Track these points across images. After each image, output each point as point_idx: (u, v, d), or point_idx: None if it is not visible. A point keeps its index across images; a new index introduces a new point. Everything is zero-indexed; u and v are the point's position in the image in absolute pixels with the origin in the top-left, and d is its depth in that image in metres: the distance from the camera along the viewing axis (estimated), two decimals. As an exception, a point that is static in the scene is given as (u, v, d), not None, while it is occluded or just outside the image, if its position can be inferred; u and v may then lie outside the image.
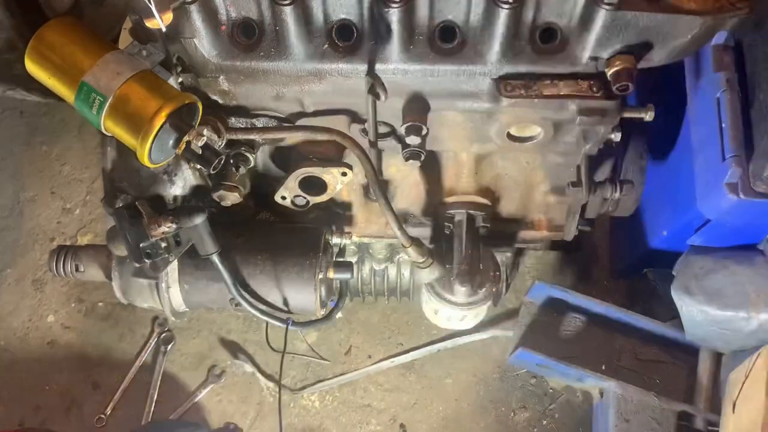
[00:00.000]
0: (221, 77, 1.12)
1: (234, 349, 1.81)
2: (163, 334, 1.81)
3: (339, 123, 1.22)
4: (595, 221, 1.53)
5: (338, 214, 1.49)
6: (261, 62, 1.08)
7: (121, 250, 1.30)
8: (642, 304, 1.62)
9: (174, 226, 1.23)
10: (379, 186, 1.15)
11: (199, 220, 1.24)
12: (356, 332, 1.83)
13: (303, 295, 1.39)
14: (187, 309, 1.49)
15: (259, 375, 1.77)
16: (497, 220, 1.49)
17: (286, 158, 1.37)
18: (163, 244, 1.27)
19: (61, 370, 1.80)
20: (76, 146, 2.08)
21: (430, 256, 1.30)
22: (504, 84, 1.07)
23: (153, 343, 1.81)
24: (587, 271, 1.88)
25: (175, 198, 1.34)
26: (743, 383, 1.33)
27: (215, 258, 1.31)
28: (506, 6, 0.95)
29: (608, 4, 0.94)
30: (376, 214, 1.47)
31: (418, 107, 1.16)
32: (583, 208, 1.42)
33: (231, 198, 1.33)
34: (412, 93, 1.14)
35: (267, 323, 1.53)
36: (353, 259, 1.55)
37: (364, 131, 1.21)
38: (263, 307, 1.41)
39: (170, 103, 0.99)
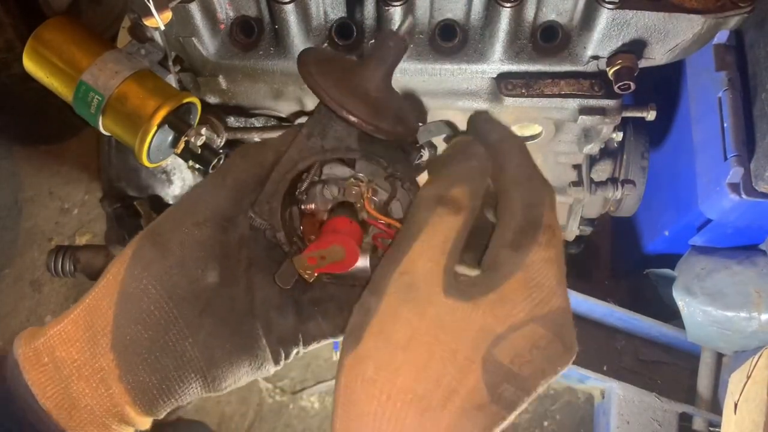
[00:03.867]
0: (220, 76, 1.12)
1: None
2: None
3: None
4: (596, 221, 1.53)
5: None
6: (260, 61, 1.07)
7: (119, 251, 1.29)
8: (643, 305, 1.61)
9: (172, 226, 1.23)
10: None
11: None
12: (356, 333, 1.82)
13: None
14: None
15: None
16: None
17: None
18: (162, 245, 1.26)
19: (60, 371, 1.80)
20: (75, 146, 2.08)
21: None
22: (505, 83, 1.06)
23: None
24: (588, 271, 1.88)
25: (174, 197, 1.34)
26: (745, 384, 1.33)
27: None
28: (508, 5, 0.95)
29: (609, 2, 0.93)
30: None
31: (417, 106, 1.16)
32: (585, 208, 1.42)
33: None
34: (411, 92, 1.14)
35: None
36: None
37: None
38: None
39: (169, 102, 0.98)
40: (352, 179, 0.62)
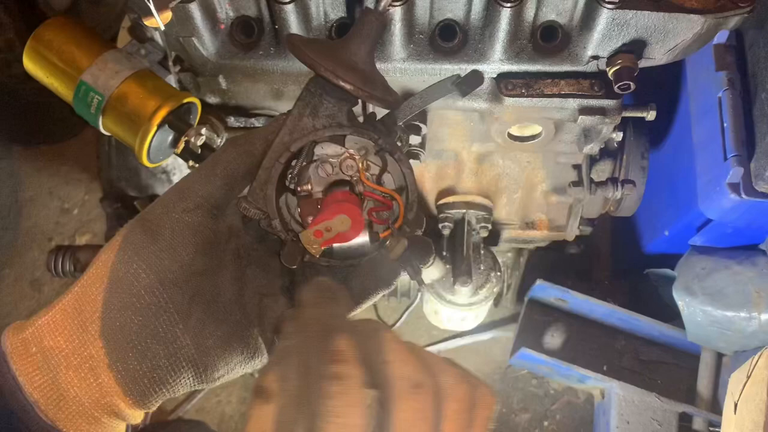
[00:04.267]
0: (220, 76, 1.12)
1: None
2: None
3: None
4: (596, 221, 1.53)
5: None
6: (260, 61, 1.07)
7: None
8: (643, 305, 1.61)
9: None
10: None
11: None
12: (356, 333, 1.82)
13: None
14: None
15: (257, 376, 1.76)
16: (498, 220, 1.48)
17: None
18: (162, 244, 1.26)
19: (60, 371, 1.80)
20: (75, 146, 2.08)
21: (430, 257, 1.29)
22: (505, 83, 1.06)
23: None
24: (588, 271, 1.88)
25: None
26: (745, 384, 1.32)
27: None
28: (508, 5, 0.95)
29: (609, 2, 0.93)
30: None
31: (418, 107, 1.16)
32: (585, 208, 1.42)
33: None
34: (411, 92, 1.14)
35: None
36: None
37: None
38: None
39: (169, 102, 0.98)
40: (345, 154, 0.64)
